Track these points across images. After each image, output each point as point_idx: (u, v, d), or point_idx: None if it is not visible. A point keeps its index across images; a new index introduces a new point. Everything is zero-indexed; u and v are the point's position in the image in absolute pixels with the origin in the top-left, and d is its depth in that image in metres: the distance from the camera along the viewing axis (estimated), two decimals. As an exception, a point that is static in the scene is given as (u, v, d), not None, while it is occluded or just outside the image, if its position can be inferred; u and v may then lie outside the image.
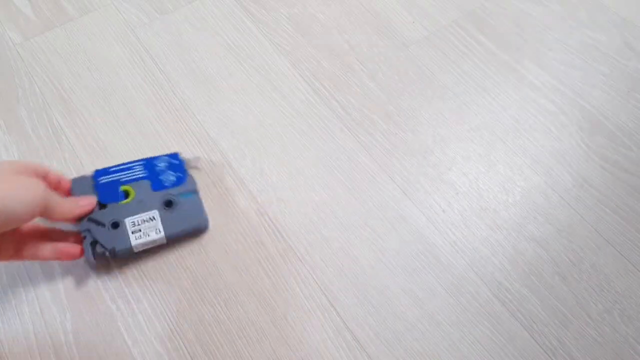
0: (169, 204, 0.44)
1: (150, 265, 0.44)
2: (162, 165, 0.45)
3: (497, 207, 0.48)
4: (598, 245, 0.47)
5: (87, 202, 0.41)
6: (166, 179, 0.45)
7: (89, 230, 0.40)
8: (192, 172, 0.47)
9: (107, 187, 0.43)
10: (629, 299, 0.44)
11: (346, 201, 0.48)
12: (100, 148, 0.49)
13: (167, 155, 0.47)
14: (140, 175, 0.44)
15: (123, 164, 0.45)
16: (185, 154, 0.48)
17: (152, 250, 0.44)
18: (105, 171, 0.44)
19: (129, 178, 0.44)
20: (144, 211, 0.43)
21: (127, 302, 0.42)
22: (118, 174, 0.44)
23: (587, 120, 0.54)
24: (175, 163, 0.46)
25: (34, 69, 0.54)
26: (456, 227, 0.47)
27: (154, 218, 0.42)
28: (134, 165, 0.45)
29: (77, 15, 0.59)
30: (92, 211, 0.41)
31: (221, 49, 0.57)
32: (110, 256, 0.41)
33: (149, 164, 0.46)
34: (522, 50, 0.59)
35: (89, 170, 0.48)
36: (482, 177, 0.50)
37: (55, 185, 0.41)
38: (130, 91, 0.53)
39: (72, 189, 0.43)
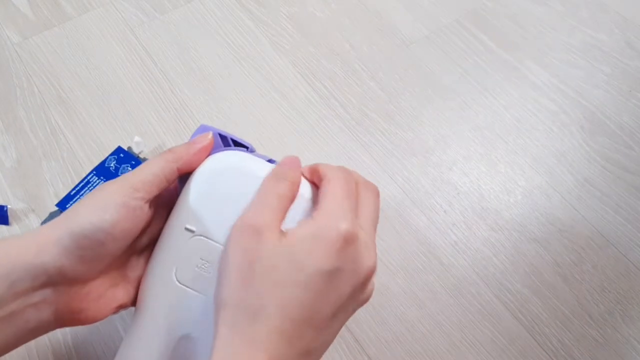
0: None
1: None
2: (112, 164, 0.46)
3: (498, 207, 0.48)
4: (599, 245, 0.46)
5: (200, 139, 0.31)
6: (125, 171, 0.45)
7: None
8: (144, 156, 0.48)
9: None
10: (631, 299, 0.44)
11: (346, 201, 0.48)
12: (98, 147, 0.49)
13: (110, 154, 0.47)
14: (101, 183, 0.44)
15: (79, 183, 0.45)
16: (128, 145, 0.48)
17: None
18: (67, 198, 0.44)
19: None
20: None
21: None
22: (80, 193, 0.44)
23: (589, 120, 0.54)
24: (122, 156, 0.47)
25: (33, 68, 0.54)
26: (457, 227, 0.47)
27: None
28: (89, 179, 0.45)
29: (75, 14, 0.59)
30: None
31: (220, 48, 0.57)
32: None
33: (100, 170, 0.46)
34: (523, 49, 0.59)
35: (87, 169, 0.48)
36: (484, 177, 0.50)
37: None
38: (129, 91, 0.53)
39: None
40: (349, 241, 0.25)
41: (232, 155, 0.31)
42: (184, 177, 0.31)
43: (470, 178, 0.50)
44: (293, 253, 0.25)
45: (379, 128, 0.52)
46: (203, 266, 0.29)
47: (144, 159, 0.46)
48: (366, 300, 0.28)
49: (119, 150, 0.47)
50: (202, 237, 0.29)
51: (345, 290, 0.25)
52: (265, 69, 0.55)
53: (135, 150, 0.47)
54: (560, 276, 0.45)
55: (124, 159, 0.46)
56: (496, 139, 0.52)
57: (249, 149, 0.32)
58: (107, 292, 0.29)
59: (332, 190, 0.27)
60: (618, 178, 0.50)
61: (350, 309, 0.27)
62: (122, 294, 0.30)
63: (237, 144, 0.32)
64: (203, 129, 0.32)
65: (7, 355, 0.39)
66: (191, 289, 0.29)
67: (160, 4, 0.60)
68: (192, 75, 0.55)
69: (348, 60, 0.57)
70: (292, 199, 0.27)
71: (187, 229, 0.29)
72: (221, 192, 0.29)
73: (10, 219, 0.45)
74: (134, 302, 0.31)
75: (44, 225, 0.27)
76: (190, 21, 0.59)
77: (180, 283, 0.29)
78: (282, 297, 0.24)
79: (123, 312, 0.41)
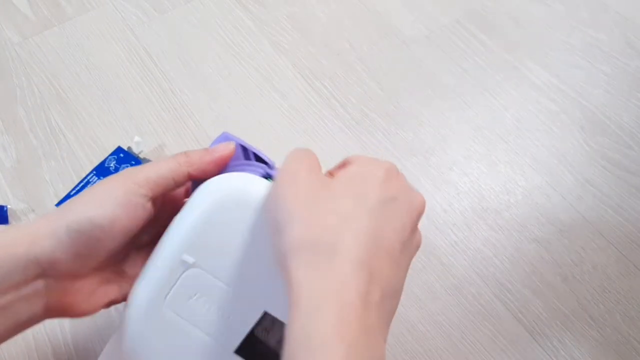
0: None
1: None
2: (112, 164, 0.46)
3: (498, 207, 0.48)
4: (600, 245, 0.46)
5: (222, 147, 0.31)
6: None
7: None
8: (147, 157, 0.48)
9: None
10: (631, 300, 0.44)
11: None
12: (98, 147, 0.49)
13: (110, 155, 0.47)
14: None
15: (78, 184, 0.45)
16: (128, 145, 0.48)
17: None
18: (67, 198, 0.44)
19: None
20: None
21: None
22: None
23: (589, 120, 0.54)
24: (122, 156, 0.47)
25: (32, 68, 0.54)
26: (457, 227, 0.47)
27: None
28: (89, 179, 0.45)
29: (75, 14, 0.59)
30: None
31: (220, 48, 0.57)
32: None
33: (100, 170, 0.46)
34: (523, 49, 0.58)
35: (87, 169, 0.48)
36: (484, 177, 0.50)
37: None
38: (128, 90, 0.53)
39: None
40: (393, 174, 0.27)
41: (237, 181, 0.29)
42: (197, 181, 0.30)
43: (470, 178, 0.50)
44: (351, 186, 0.26)
45: (379, 128, 0.52)
46: (197, 300, 0.28)
47: (144, 159, 0.46)
48: (419, 243, 0.28)
49: (119, 150, 0.47)
50: (199, 270, 0.28)
51: (406, 220, 0.26)
52: (265, 69, 0.55)
53: (135, 150, 0.47)
54: (560, 276, 0.45)
55: (123, 159, 0.46)
56: (496, 139, 0.52)
57: (269, 165, 0.31)
58: (99, 289, 0.29)
59: (359, 157, 0.29)
60: (618, 178, 0.50)
61: (412, 248, 0.27)
62: (114, 290, 0.30)
63: (258, 159, 0.31)
64: (224, 137, 0.31)
65: (7, 355, 0.39)
66: (183, 318, 0.28)
67: (160, 4, 0.60)
68: (192, 75, 0.55)
69: (348, 60, 0.57)
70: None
71: (183, 260, 0.27)
72: (221, 223, 0.28)
73: (10, 219, 0.45)
74: (126, 297, 0.30)
75: (40, 217, 0.26)
76: (190, 21, 0.59)
77: (171, 311, 0.28)
78: (355, 228, 0.24)
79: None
